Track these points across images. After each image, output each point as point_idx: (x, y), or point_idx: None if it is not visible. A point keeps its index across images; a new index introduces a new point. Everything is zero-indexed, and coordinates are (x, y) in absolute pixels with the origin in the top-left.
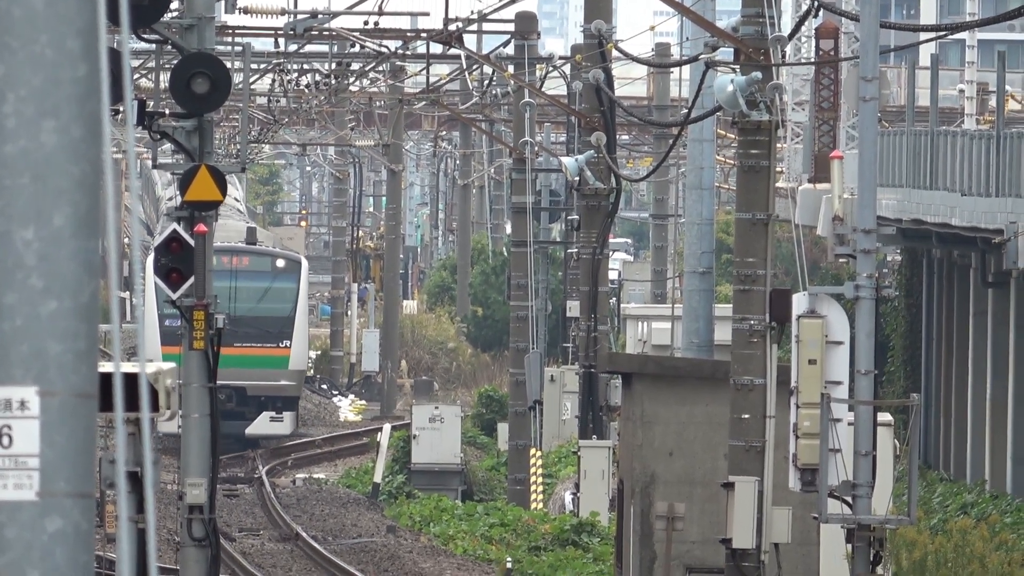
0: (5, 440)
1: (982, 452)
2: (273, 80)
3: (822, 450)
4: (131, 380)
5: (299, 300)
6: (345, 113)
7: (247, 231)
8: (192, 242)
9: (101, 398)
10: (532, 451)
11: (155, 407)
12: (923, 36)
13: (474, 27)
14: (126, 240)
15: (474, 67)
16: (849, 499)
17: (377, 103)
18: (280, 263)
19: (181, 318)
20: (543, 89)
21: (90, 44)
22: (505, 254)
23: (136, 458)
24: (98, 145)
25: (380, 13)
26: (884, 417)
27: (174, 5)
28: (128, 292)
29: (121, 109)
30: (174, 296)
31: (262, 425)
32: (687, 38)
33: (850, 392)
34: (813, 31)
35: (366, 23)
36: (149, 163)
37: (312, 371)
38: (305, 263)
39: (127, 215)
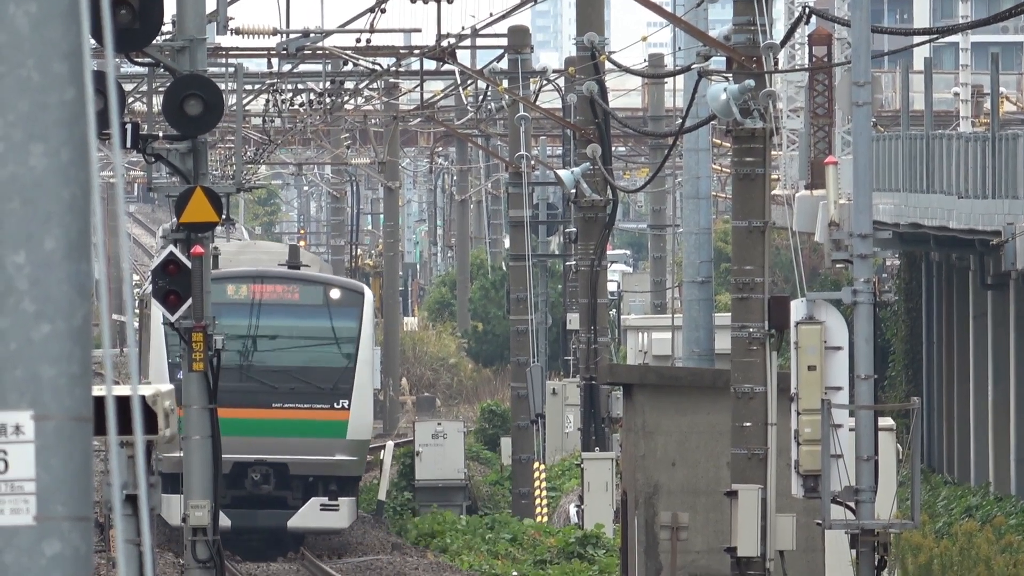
0: (1, 465)
1: (986, 454)
2: (267, 100)
3: (824, 456)
4: (128, 403)
5: (361, 345)
6: (340, 132)
7: (289, 251)
8: (189, 264)
9: (98, 421)
10: (535, 464)
11: (154, 429)
12: (916, 40)
13: (467, 42)
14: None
15: (468, 82)
16: (852, 504)
17: (372, 121)
18: (336, 294)
19: (180, 341)
20: (538, 102)
21: (77, 67)
22: (504, 268)
23: (135, 481)
24: (87, 168)
25: (372, 31)
26: (886, 422)
27: (166, 28)
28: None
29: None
30: (172, 318)
31: (310, 515)
32: (680, 48)
33: (850, 397)
34: (806, 38)
35: (359, 41)
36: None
37: None
38: (369, 295)
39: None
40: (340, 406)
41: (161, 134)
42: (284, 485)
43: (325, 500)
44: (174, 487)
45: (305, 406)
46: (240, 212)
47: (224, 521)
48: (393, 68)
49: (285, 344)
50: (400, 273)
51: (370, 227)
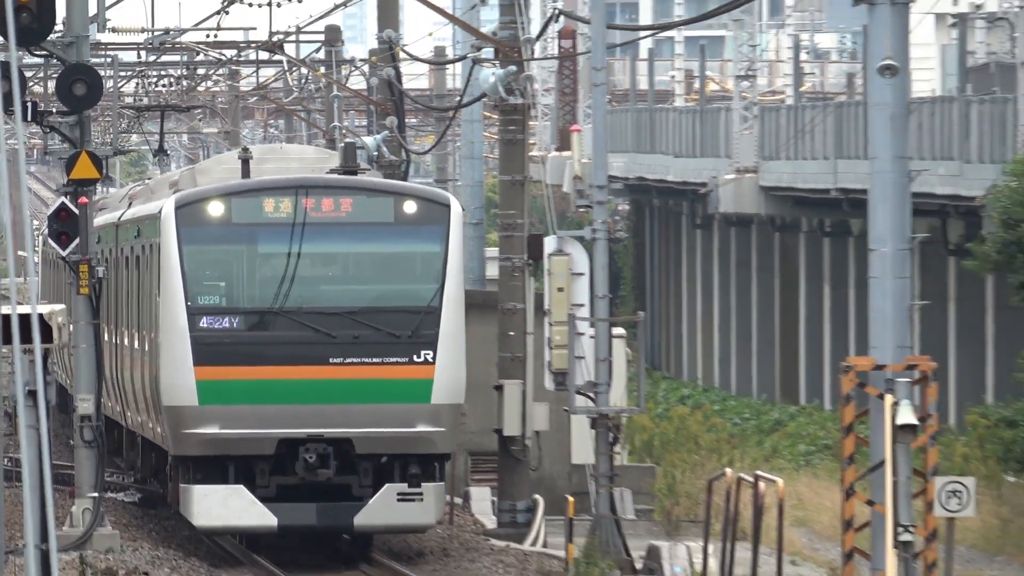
0: None
1: (695, 355)
2: (137, 83)
3: (570, 358)
4: (29, 319)
5: (449, 275)
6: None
7: (343, 152)
8: (77, 211)
9: (4, 333)
10: None
11: (49, 339)
12: (642, 34)
13: (293, 38)
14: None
15: (294, 69)
16: (592, 395)
17: (219, 99)
18: (412, 207)
19: (79, 273)
20: (348, 84)
21: None
22: None
23: (35, 379)
24: None
25: (219, 28)
26: (618, 331)
27: (58, 27)
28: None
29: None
30: (64, 253)
31: (384, 509)
32: (458, 41)
33: (591, 312)
34: (556, 33)
35: (208, 36)
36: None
37: None
38: (457, 207)
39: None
40: (422, 359)
41: (54, 110)
42: (347, 467)
43: (404, 488)
44: (204, 475)
45: (375, 361)
46: (117, 171)
47: (268, 519)
48: (235, 58)
49: (346, 277)
50: None
51: None
